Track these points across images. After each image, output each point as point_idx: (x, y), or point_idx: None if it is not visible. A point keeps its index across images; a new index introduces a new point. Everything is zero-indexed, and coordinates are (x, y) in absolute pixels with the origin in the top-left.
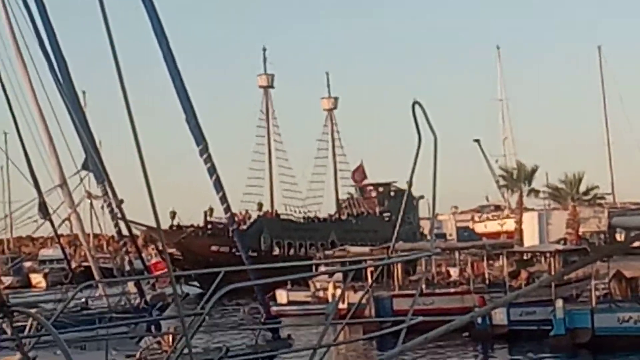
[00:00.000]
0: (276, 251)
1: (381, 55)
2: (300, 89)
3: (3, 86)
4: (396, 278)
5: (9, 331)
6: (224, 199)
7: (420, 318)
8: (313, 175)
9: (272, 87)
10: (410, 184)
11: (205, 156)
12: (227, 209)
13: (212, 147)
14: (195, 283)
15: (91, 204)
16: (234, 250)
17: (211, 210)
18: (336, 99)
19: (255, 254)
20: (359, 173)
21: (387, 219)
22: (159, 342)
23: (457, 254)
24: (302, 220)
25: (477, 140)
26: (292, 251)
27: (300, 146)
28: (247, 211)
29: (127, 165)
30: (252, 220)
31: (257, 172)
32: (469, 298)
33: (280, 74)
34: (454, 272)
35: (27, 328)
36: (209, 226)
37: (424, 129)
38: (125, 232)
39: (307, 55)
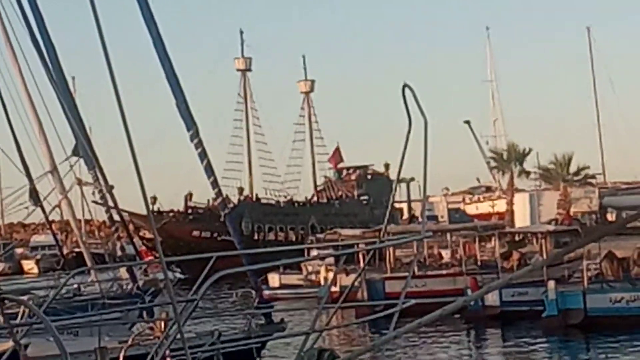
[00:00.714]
0: (257, 236)
1: (363, 37)
2: (277, 72)
3: None
4: (388, 261)
5: (0, 319)
6: (215, 184)
7: (413, 301)
8: (290, 159)
9: (249, 70)
10: (400, 167)
11: (196, 141)
12: (219, 194)
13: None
14: (177, 269)
15: (82, 190)
16: (215, 235)
17: (190, 195)
18: (313, 81)
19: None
20: (336, 156)
21: (365, 202)
22: (151, 328)
23: (448, 235)
24: (282, 205)
25: (468, 122)
26: (272, 236)
27: (278, 130)
28: (227, 195)
29: (112, 149)
30: (232, 204)
31: (235, 156)
32: (461, 280)
33: (257, 57)
34: (446, 254)
35: (20, 315)
36: (189, 211)
37: (414, 112)
38: (116, 218)
39: (284, 37)
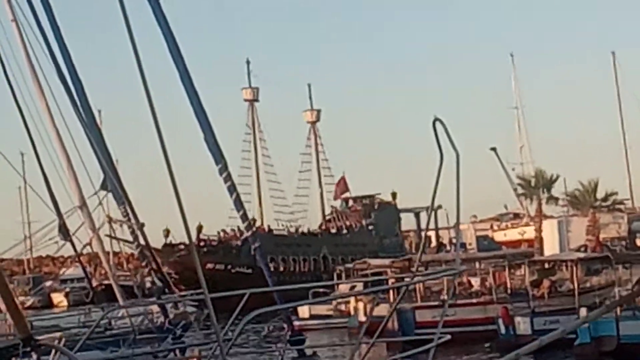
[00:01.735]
0: (270, 267)
1: (379, 66)
2: (283, 101)
3: (19, 107)
4: (418, 290)
5: None
6: (244, 217)
7: (449, 336)
8: (298, 189)
9: (257, 100)
10: (433, 200)
11: (225, 175)
12: (249, 227)
13: (197, 162)
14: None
15: (111, 225)
16: (229, 267)
17: (201, 227)
18: (319, 111)
19: (250, 271)
20: (341, 186)
21: (374, 232)
22: None
23: (477, 263)
24: (294, 235)
25: (494, 149)
26: (285, 267)
27: (285, 160)
28: (238, 227)
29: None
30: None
31: (244, 187)
32: (491, 308)
33: (263, 86)
34: (475, 282)
35: (52, 355)
36: (202, 243)
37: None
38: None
39: (289, 67)
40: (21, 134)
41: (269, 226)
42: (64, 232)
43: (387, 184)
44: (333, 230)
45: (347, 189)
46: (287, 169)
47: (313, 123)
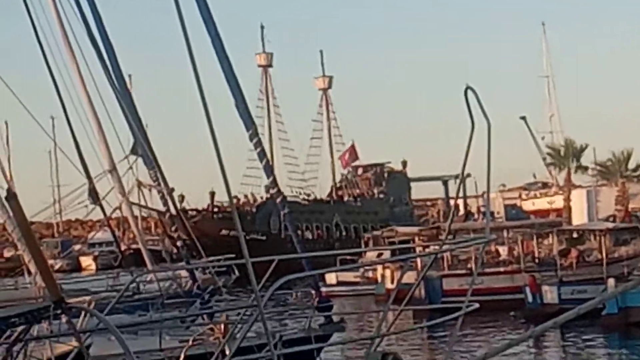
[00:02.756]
0: (285, 234)
1: (394, 33)
2: (295, 67)
3: (50, 70)
4: (445, 258)
5: (66, 325)
6: (274, 183)
7: (477, 305)
8: (308, 157)
9: (270, 66)
10: (463, 168)
11: (255, 140)
12: (278, 193)
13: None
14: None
15: (141, 190)
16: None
17: (213, 193)
18: (331, 78)
19: (264, 237)
20: (351, 154)
21: (385, 200)
22: (211, 329)
23: (505, 232)
24: (307, 203)
25: (524, 118)
26: (299, 234)
27: (296, 127)
28: (252, 194)
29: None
30: (258, 203)
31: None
32: (519, 277)
33: (277, 52)
34: (503, 250)
35: (81, 317)
36: (216, 209)
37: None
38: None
39: (302, 33)
40: (52, 98)
41: (282, 193)
42: (94, 196)
43: (397, 152)
44: (345, 198)
45: (356, 157)
46: (299, 135)
47: (325, 90)
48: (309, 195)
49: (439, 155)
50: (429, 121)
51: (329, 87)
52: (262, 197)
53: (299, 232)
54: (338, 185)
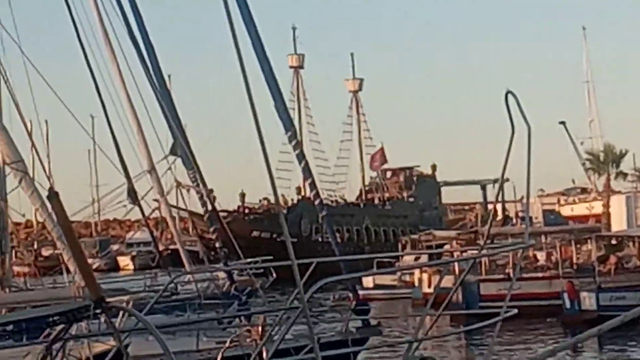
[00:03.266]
0: (315, 237)
1: (427, 37)
2: (326, 69)
3: (91, 70)
4: (483, 262)
5: (106, 325)
6: (313, 185)
7: (515, 310)
8: (338, 159)
9: (302, 67)
10: (503, 172)
11: (294, 142)
12: (317, 195)
13: (238, 130)
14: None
15: (180, 190)
16: (274, 235)
17: (244, 194)
18: (361, 80)
19: (295, 240)
20: (380, 157)
21: (414, 204)
22: (248, 330)
23: (543, 237)
24: (338, 206)
25: (563, 123)
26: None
27: (326, 129)
28: (283, 195)
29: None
30: (289, 205)
31: (287, 155)
32: (557, 283)
33: (308, 53)
34: (541, 256)
35: (120, 317)
36: (246, 211)
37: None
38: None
39: (334, 34)
40: (92, 97)
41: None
42: (133, 196)
43: (427, 155)
44: (375, 202)
45: (385, 161)
46: (329, 137)
47: (355, 92)
48: (342, 197)
49: (469, 160)
50: (459, 125)
51: (360, 89)
52: (292, 200)
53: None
54: (367, 188)
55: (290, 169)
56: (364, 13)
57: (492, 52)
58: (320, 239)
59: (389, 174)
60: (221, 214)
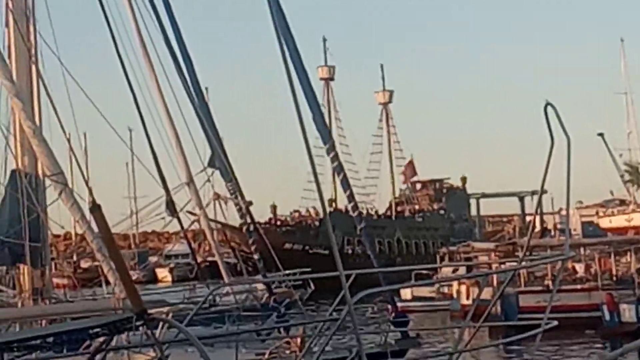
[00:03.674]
0: (347, 248)
1: (457, 48)
2: (356, 81)
3: (129, 82)
4: (521, 274)
5: (147, 336)
6: (351, 197)
7: (555, 322)
8: (368, 171)
9: (332, 79)
10: (543, 184)
11: (332, 154)
12: (355, 207)
13: (271, 141)
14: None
15: (219, 203)
16: (306, 248)
17: (275, 207)
18: (391, 92)
19: (327, 252)
20: (409, 169)
21: (445, 216)
22: (287, 342)
23: (582, 249)
24: (370, 217)
25: (601, 134)
26: (362, 249)
27: (357, 140)
28: (314, 208)
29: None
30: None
31: (317, 167)
32: (596, 295)
33: (339, 65)
34: (580, 268)
35: (159, 329)
36: (278, 223)
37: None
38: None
39: (364, 46)
40: (130, 110)
41: (345, 207)
42: (172, 208)
43: (456, 167)
44: (406, 214)
45: (415, 173)
46: (359, 149)
47: (385, 104)
48: (375, 210)
49: (498, 172)
50: (489, 136)
51: (390, 101)
52: (330, 211)
53: (364, 246)
54: (397, 200)
55: (320, 181)
56: (394, 24)
57: (525, 62)
58: (351, 252)
59: (418, 186)
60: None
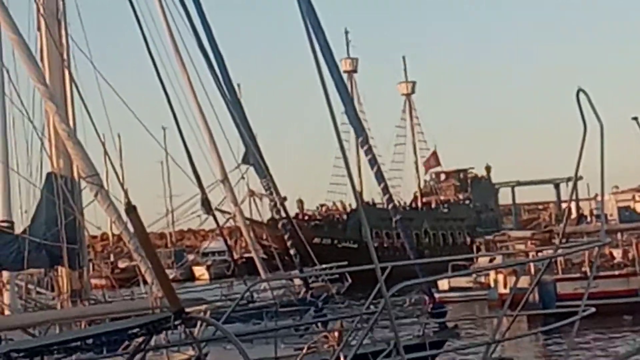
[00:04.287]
0: (375, 242)
1: (479, 38)
2: (378, 73)
3: (161, 81)
4: (558, 261)
5: (185, 335)
6: (386, 190)
7: (593, 309)
8: (392, 163)
9: (355, 71)
10: (577, 170)
11: (366, 147)
12: (390, 200)
13: (294, 136)
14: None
15: (254, 200)
16: (335, 242)
17: (302, 201)
18: (414, 83)
19: (356, 246)
20: (433, 160)
21: (471, 206)
22: (325, 337)
23: (619, 235)
24: (398, 209)
25: (636, 118)
26: (390, 242)
27: (382, 132)
28: (341, 202)
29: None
30: (348, 211)
31: (341, 160)
32: (634, 280)
33: (360, 57)
34: (617, 253)
35: (198, 327)
36: (306, 217)
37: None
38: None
39: (385, 37)
40: (163, 109)
41: (372, 199)
42: (207, 206)
43: (481, 157)
44: (433, 205)
45: (438, 164)
46: (383, 140)
47: (408, 95)
48: (401, 202)
49: (523, 160)
50: (512, 126)
51: (412, 92)
52: (350, 205)
53: (391, 239)
54: (422, 191)
55: (344, 174)
56: (415, 15)
57: (553, 47)
58: (379, 244)
59: (442, 176)
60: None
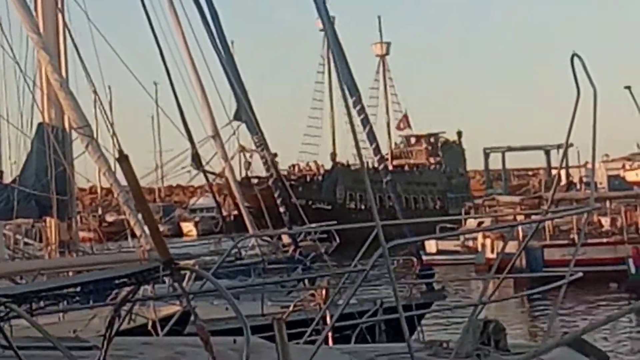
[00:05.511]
0: (350, 204)
1: None
2: (352, 32)
3: (155, 35)
4: (547, 228)
5: (174, 287)
6: (377, 150)
7: (581, 274)
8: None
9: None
10: (568, 137)
11: (358, 107)
12: (381, 160)
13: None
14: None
15: (244, 155)
16: (309, 202)
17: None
18: (388, 44)
19: (329, 207)
20: (403, 123)
21: (442, 171)
22: (312, 295)
23: (608, 203)
24: (370, 172)
25: (628, 87)
26: (365, 204)
27: None
28: (315, 162)
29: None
30: (323, 171)
31: (315, 120)
32: (622, 248)
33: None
34: (606, 221)
35: (186, 280)
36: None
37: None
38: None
39: None
40: (155, 63)
41: (347, 161)
42: (197, 161)
43: (452, 121)
44: (405, 169)
45: (409, 126)
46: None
47: (382, 56)
48: (373, 165)
49: (497, 125)
50: (485, 90)
51: (387, 53)
52: (323, 166)
53: (362, 201)
54: (394, 154)
55: (318, 134)
56: None
57: (540, 12)
58: (354, 206)
59: (413, 140)
60: (253, 180)
